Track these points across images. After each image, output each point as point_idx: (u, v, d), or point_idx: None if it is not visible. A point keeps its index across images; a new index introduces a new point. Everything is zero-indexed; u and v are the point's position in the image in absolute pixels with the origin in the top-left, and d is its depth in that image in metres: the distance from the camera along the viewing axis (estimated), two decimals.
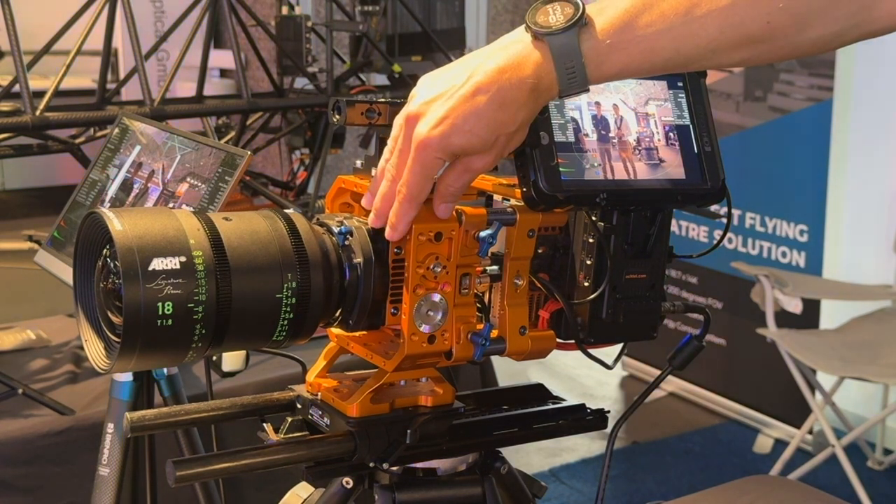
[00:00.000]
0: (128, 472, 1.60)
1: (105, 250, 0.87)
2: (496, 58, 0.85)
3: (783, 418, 3.56)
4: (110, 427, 1.59)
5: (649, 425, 3.67)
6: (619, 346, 1.03)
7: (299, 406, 1.03)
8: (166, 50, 6.01)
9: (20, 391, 1.96)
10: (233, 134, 3.09)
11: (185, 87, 4.83)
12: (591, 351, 1.00)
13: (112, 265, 0.85)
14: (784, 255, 3.51)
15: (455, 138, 0.84)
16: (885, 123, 3.39)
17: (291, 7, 3.27)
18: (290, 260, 0.88)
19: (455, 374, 1.07)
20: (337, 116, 0.94)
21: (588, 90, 0.85)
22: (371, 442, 0.96)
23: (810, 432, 3.38)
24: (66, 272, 1.70)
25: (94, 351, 0.88)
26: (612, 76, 0.85)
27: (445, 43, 3.44)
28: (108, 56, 2.93)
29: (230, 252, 0.85)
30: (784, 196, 3.51)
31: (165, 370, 1.63)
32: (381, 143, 0.98)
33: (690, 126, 1.01)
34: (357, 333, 0.99)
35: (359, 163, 1.01)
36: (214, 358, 1.64)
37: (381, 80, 3.61)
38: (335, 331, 1.01)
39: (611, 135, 0.97)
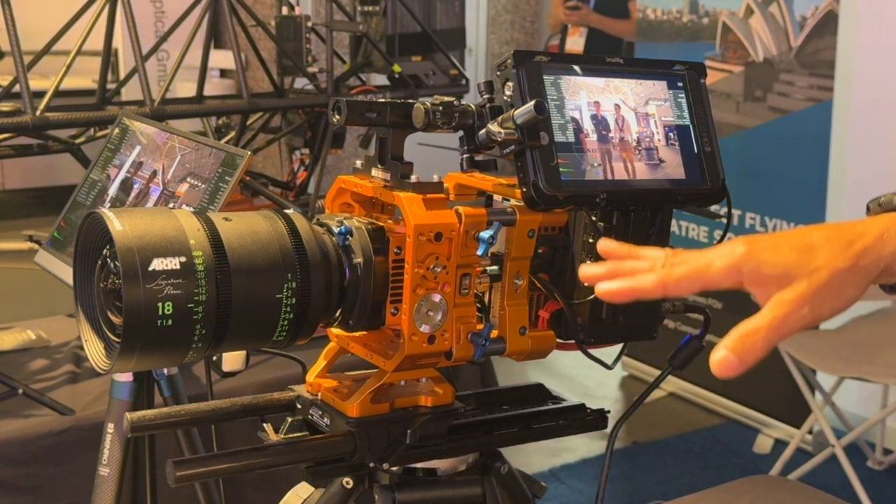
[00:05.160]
0: (128, 472, 1.60)
1: (105, 250, 0.87)
2: None
3: (783, 418, 3.55)
4: (110, 427, 1.59)
5: (649, 425, 3.67)
6: (619, 346, 1.03)
7: (299, 406, 1.03)
8: (166, 50, 6.01)
9: (20, 391, 1.96)
10: (233, 134, 3.08)
11: (185, 87, 4.82)
12: (591, 351, 1.00)
13: (112, 265, 0.85)
14: None
15: None
16: (885, 123, 3.39)
17: (291, 7, 3.27)
18: (291, 260, 0.88)
19: (455, 374, 1.07)
20: (337, 116, 0.94)
21: None
22: (371, 442, 0.96)
23: (810, 432, 3.37)
24: (66, 272, 1.70)
25: (94, 351, 0.88)
26: None
27: (445, 43, 3.44)
28: (108, 56, 2.93)
29: (230, 252, 0.85)
30: (784, 196, 3.51)
31: (165, 370, 1.63)
32: (382, 143, 0.98)
33: (690, 126, 1.02)
34: (357, 333, 0.99)
35: (359, 163, 1.01)
36: (214, 358, 1.64)
37: (381, 80, 3.61)
38: (335, 331, 1.01)
39: (611, 135, 0.97)
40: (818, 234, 0.83)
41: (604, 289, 0.81)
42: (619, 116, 0.98)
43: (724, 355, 0.78)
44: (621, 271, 0.81)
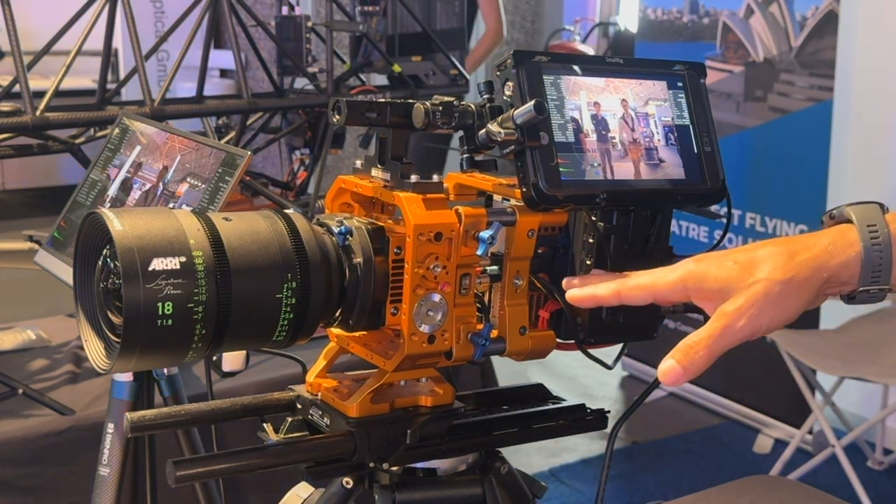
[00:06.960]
0: (128, 472, 1.60)
1: (105, 250, 0.87)
2: None
3: (783, 418, 3.55)
4: (110, 427, 1.59)
5: (649, 425, 3.67)
6: (619, 346, 1.03)
7: (299, 406, 1.03)
8: (166, 50, 6.01)
9: (20, 391, 1.96)
10: (233, 134, 3.08)
11: (185, 87, 4.83)
12: (591, 351, 1.00)
13: (112, 265, 0.85)
14: None
15: None
16: (885, 123, 3.39)
17: (291, 7, 3.27)
18: (291, 260, 0.88)
19: (455, 374, 1.07)
20: (337, 116, 0.94)
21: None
22: (371, 442, 0.96)
23: (810, 432, 3.38)
24: (66, 272, 1.70)
25: (94, 351, 0.88)
26: None
27: (445, 43, 3.44)
28: (108, 56, 2.92)
29: (230, 252, 0.85)
30: (784, 196, 3.51)
31: (165, 370, 1.63)
32: (381, 143, 0.98)
33: (690, 126, 1.02)
34: (357, 333, 0.99)
35: (359, 163, 1.01)
36: (214, 358, 1.64)
37: (381, 80, 3.61)
38: (335, 331, 1.01)
39: (611, 135, 0.97)
40: (765, 249, 0.86)
41: (572, 294, 0.92)
42: (626, 114, 0.98)
43: (670, 365, 0.84)
44: (591, 281, 0.93)
